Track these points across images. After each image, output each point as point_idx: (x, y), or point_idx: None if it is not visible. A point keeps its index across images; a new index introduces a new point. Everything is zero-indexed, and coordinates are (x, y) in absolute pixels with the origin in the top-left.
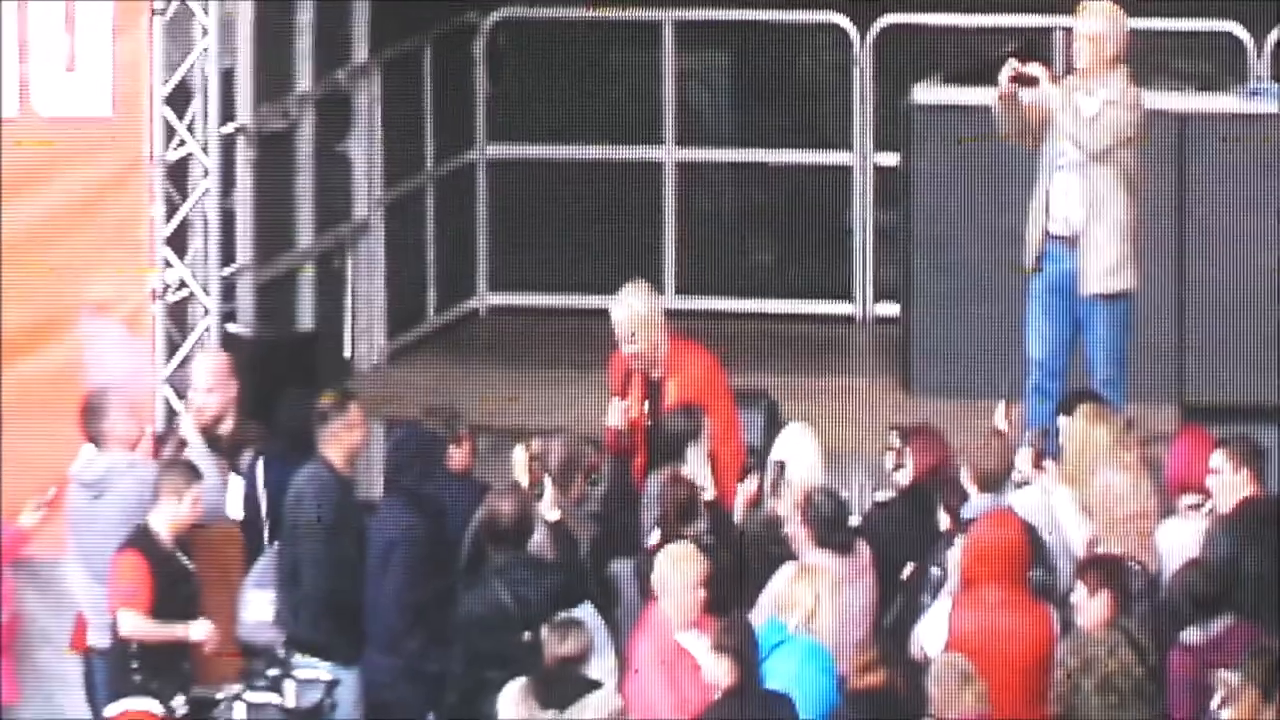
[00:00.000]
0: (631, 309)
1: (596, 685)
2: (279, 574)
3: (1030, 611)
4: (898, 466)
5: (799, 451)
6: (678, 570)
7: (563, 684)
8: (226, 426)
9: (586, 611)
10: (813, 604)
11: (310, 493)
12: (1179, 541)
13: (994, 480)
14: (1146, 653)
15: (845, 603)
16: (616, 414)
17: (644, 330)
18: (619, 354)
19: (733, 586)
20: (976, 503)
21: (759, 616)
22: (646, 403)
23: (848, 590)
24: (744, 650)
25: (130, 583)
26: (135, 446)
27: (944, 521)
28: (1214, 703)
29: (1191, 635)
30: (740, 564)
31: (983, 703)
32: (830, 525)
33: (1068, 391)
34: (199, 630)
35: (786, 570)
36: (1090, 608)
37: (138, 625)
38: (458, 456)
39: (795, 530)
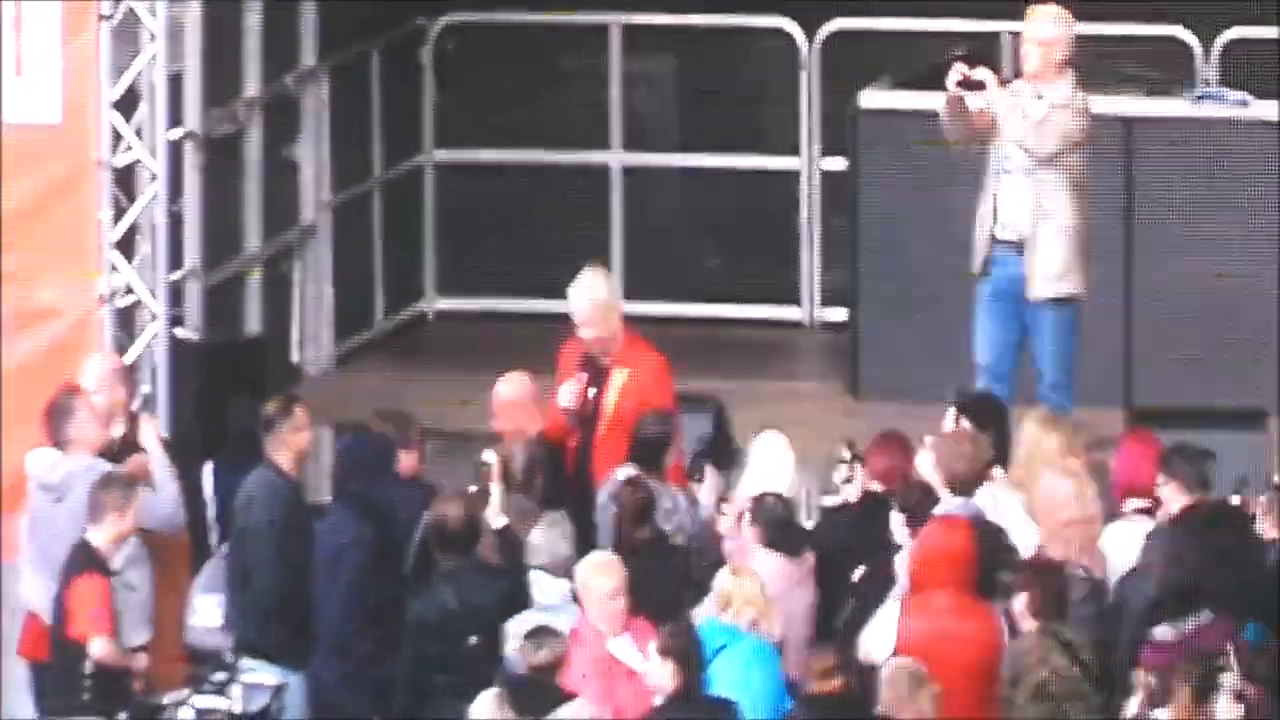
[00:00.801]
0: (593, 293)
1: (570, 695)
2: (228, 578)
3: (977, 617)
4: (847, 480)
5: (773, 459)
6: (596, 580)
7: (537, 693)
8: (117, 429)
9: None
10: (764, 604)
11: (259, 497)
12: (1126, 545)
13: (966, 483)
14: (1082, 655)
15: (790, 605)
16: (568, 395)
17: (603, 315)
18: (571, 343)
19: (679, 588)
20: (948, 505)
21: (699, 618)
22: (592, 389)
23: (791, 593)
24: (689, 654)
25: (97, 607)
26: (99, 451)
27: (898, 523)
28: (1132, 706)
29: (1165, 632)
30: (687, 566)
31: (936, 707)
32: (780, 527)
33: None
34: (140, 661)
35: (728, 570)
36: (1023, 615)
37: (109, 651)
38: (408, 460)
39: (736, 534)
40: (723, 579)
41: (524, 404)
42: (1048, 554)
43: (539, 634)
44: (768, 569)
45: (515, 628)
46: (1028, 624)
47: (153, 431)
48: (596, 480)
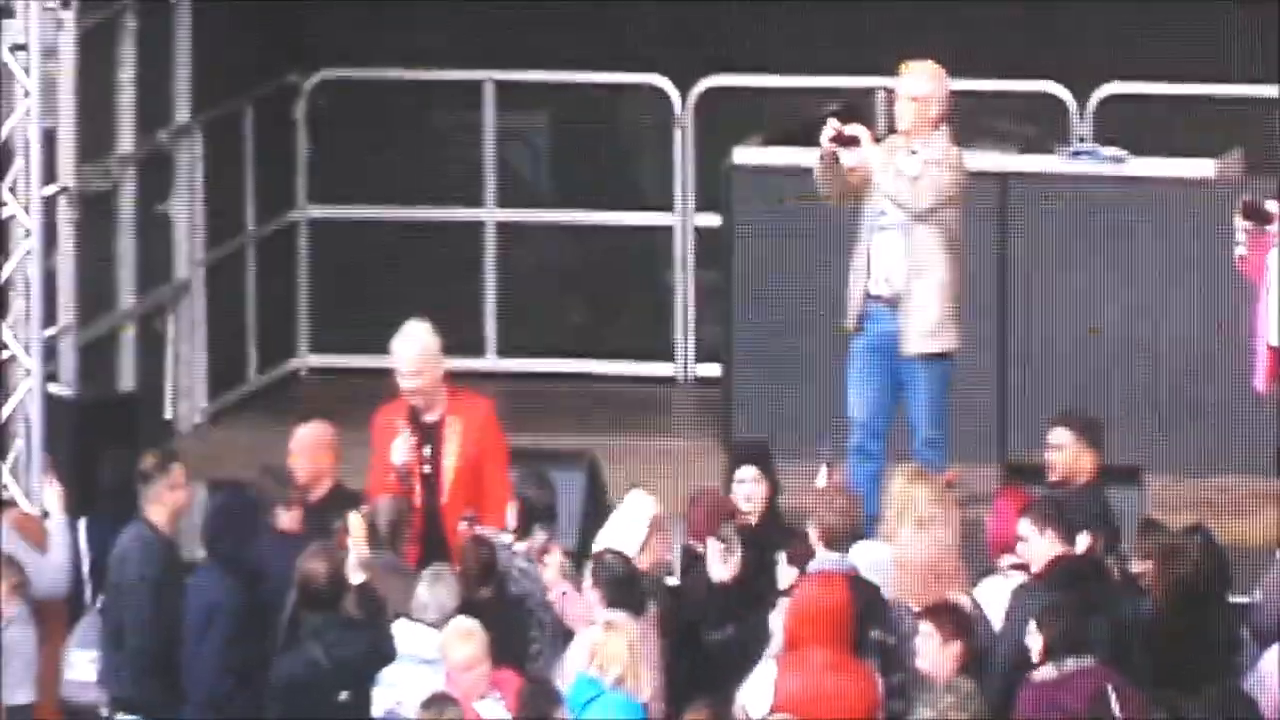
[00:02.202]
0: (421, 343)
1: None
2: (102, 634)
3: (855, 673)
4: (726, 557)
5: (631, 516)
6: (454, 649)
7: None
8: None
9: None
10: (629, 658)
11: (134, 553)
12: (1000, 601)
13: (840, 538)
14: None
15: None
16: (402, 450)
17: (430, 366)
18: (383, 410)
19: (523, 646)
20: (822, 560)
21: (567, 673)
22: (426, 447)
23: (640, 645)
24: (548, 712)
25: None
26: None
27: (785, 578)
28: None
29: (1045, 672)
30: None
31: None
32: (619, 586)
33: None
34: None
35: (600, 626)
36: (941, 658)
37: None
38: (288, 519)
39: (558, 585)
40: (593, 634)
41: (319, 450)
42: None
43: (436, 701)
44: (628, 623)
45: (389, 678)
46: (943, 668)
47: (56, 498)
48: (451, 542)
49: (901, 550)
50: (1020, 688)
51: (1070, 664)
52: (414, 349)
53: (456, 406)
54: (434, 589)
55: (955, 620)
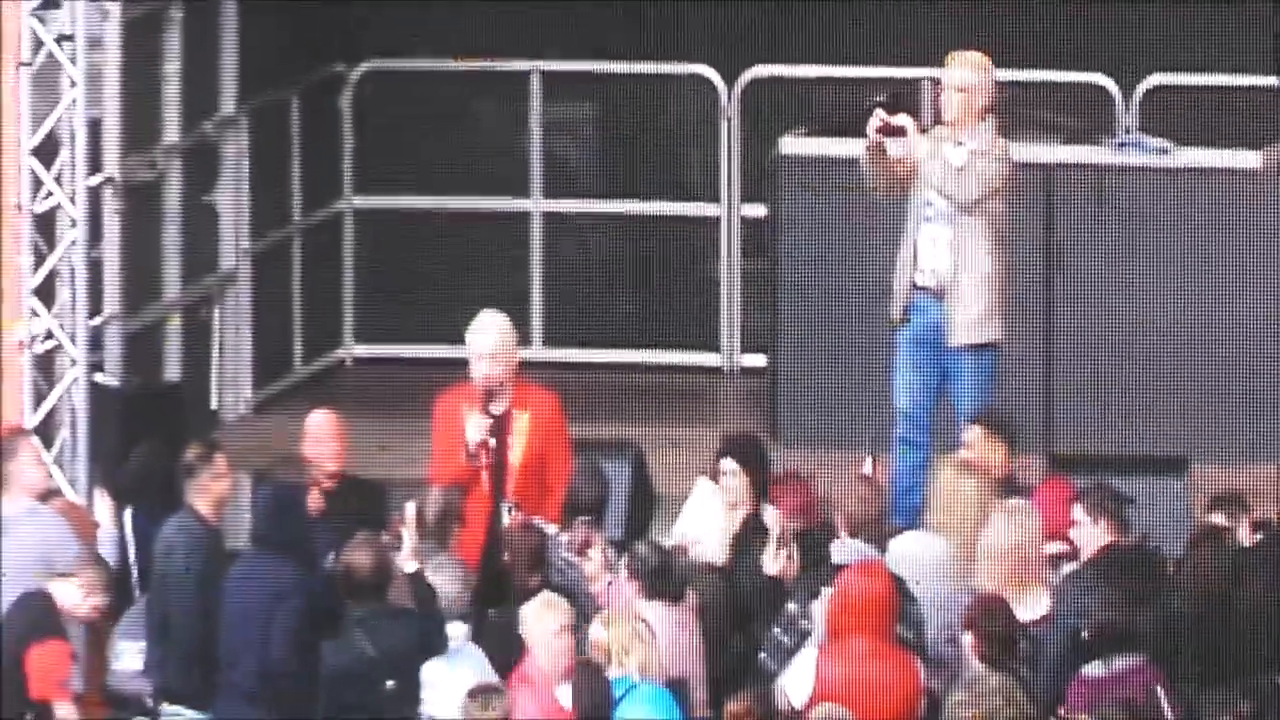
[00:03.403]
0: (500, 330)
1: None
2: (148, 624)
3: (898, 663)
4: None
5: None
6: (544, 616)
7: None
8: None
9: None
10: (642, 646)
11: (180, 543)
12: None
13: (865, 525)
14: (1034, 694)
15: (682, 648)
16: (477, 430)
17: (506, 355)
18: (445, 395)
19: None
20: (849, 547)
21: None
22: (492, 439)
23: (680, 636)
24: (603, 697)
25: (63, 672)
26: (39, 495)
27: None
28: None
29: (1095, 669)
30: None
31: None
32: (656, 577)
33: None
34: (70, 713)
35: (598, 622)
36: (969, 653)
37: (73, 717)
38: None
39: (607, 584)
40: (595, 632)
41: (325, 437)
42: (988, 593)
43: (483, 692)
44: (652, 618)
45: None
46: (975, 665)
47: (107, 511)
48: None
49: (988, 538)
50: (1071, 683)
51: (1119, 663)
52: (491, 337)
53: (524, 400)
54: (437, 576)
55: (989, 615)
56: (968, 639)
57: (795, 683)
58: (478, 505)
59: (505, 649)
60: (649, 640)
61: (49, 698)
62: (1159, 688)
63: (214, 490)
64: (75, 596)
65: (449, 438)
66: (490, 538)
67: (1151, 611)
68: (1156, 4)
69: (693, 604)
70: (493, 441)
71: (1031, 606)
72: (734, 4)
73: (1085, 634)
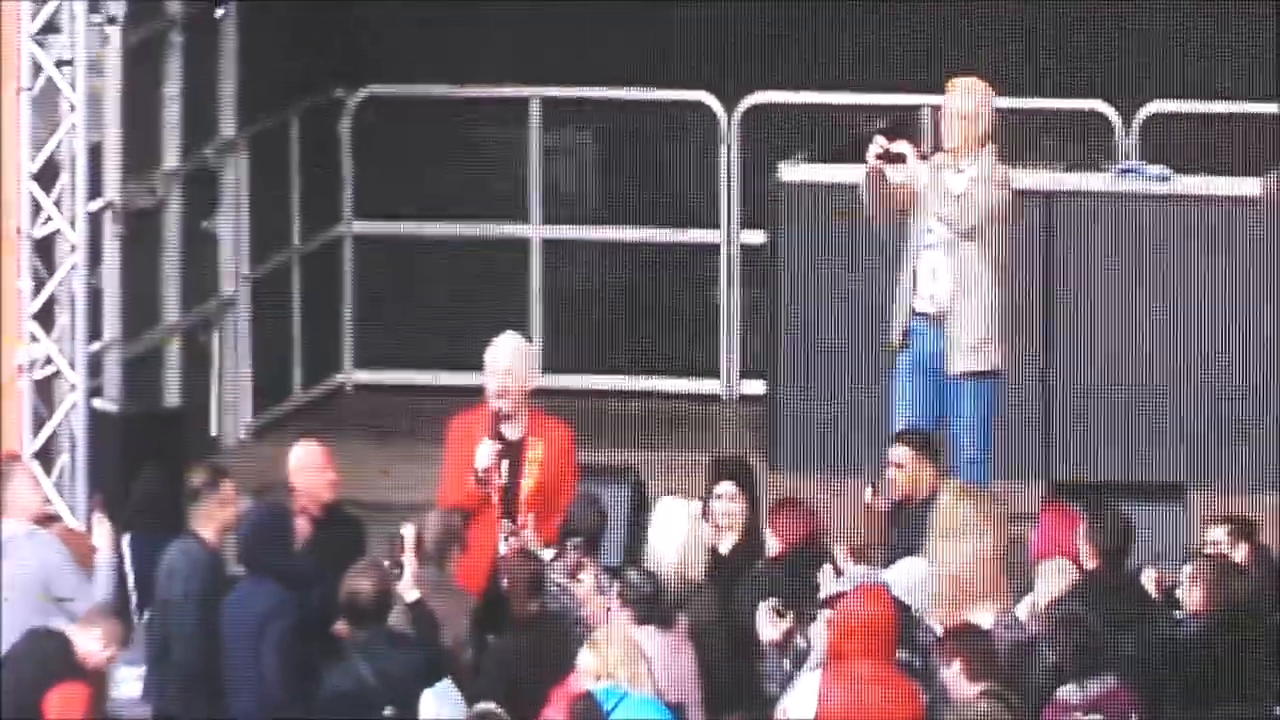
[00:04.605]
0: (517, 349)
1: None
2: (149, 649)
3: (900, 688)
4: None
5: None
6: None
7: None
8: None
9: (445, 687)
10: (631, 664)
11: (181, 568)
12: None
13: (868, 551)
14: (1020, 714)
15: (677, 673)
16: (486, 456)
17: (521, 373)
18: (460, 417)
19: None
20: (852, 573)
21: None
22: (504, 463)
23: (674, 661)
24: None
25: (85, 716)
26: (37, 520)
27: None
28: None
29: (1071, 693)
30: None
31: None
32: (647, 604)
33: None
34: None
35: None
36: (957, 681)
37: None
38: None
39: (597, 607)
40: (583, 657)
41: (310, 469)
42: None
43: (483, 717)
44: (645, 644)
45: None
46: (965, 689)
47: (106, 537)
48: None
49: (933, 563)
50: (1046, 707)
51: (1094, 687)
52: (507, 359)
53: (538, 428)
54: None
55: (958, 641)
56: (955, 668)
57: (797, 705)
58: (485, 531)
59: (505, 675)
60: (640, 658)
61: None
62: (1134, 714)
63: (219, 516)
64: (94, 646)
65: (460, 461)
66: (494, 564)
67: (1133, 637)
68: (1156, 31)
69: (684, 628)
70: (504, 467)
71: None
72: (733, 31)
73: (1053, 657)
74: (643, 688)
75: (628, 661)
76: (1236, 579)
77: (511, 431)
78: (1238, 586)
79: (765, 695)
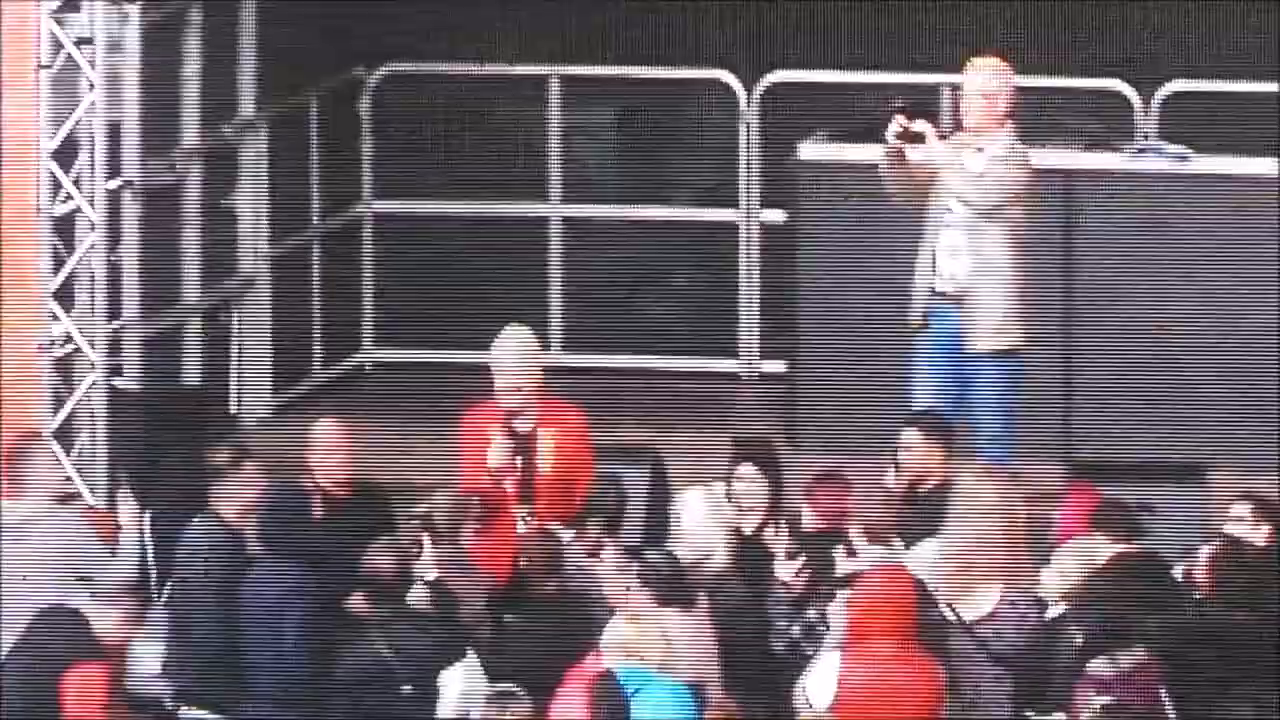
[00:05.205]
0: (522, 347)
1: None
2: (169, 627)
3: (920, 666)
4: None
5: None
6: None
7: None
8: None
9: (471, 663)
10: (665, 646)
11: (201, 546)
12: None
13: (883, 532)
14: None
15: (698, 653)
16: (499, 454)
17: (529, 372)
18: (472, 412)
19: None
20: (867, 554)
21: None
22: (519, 457)
23: (695, 641)
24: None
25: (105, 696)
26: (57, 498)
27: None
28: None
29: (1102, 668)
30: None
31: None
32: (668, 585)
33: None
34: None
35: (623, 619)
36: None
37: None
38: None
39: (617, 587)
40: (621, 628)
41: (330, 447)
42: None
43: (503, 696)
44: (666, 624)
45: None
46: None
47: (130, 515)
48: None
49: (946, 544)
50: (1076, 680)
51: (1125, 661)
52: (514, 354)
53: (550, 418)
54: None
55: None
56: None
57: (818, 685)
58: (503, 512)
59: (523, 654)
60: (663, 639)
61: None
62: (1163, 690)
63: (240, 496)
64: (112, 625)
65: (475, 459)
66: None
67: (1159, 616)
68: (1176, 10)
69: (705, 609)
70: (519, 460)
71: (979, 604)
72: (753, 9)
73: (1080, 639)
74: (665, 669)
75: (651, 642)
76: (1250, 562)
77: (522, 424)
78: (1250, 570)
79: (786, 675)
